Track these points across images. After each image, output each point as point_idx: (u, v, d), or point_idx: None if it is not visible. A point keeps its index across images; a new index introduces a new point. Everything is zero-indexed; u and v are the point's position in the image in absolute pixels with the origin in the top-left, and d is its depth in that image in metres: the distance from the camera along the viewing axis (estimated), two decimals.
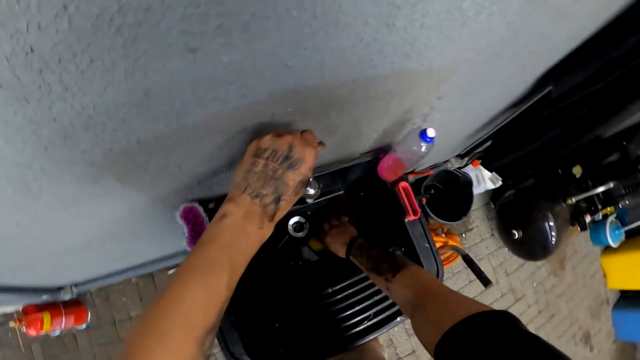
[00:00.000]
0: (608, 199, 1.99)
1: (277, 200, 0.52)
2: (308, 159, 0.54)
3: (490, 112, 1.18)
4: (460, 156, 1.82)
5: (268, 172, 0.52)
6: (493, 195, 2.44)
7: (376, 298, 0.94)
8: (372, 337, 0.90)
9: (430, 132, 0.76)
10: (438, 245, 1.88)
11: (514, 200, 2.14)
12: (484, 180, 2.13)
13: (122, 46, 0.36)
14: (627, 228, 2.51)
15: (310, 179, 0.55)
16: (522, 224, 2.08)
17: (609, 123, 0.91)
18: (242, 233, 0.49)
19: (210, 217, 0.90)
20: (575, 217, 1.99)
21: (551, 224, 1.95)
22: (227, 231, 0.49)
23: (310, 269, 1.07)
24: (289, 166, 0.53)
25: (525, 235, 2.08)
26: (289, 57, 0.48)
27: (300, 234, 1.08)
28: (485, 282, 1.07)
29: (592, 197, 1.96)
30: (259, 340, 0.88)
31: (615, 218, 2.52)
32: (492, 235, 2.44)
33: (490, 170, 1.35)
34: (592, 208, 1.99)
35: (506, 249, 2.36)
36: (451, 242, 1.88)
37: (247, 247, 0.50)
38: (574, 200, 1.94)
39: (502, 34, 0.64)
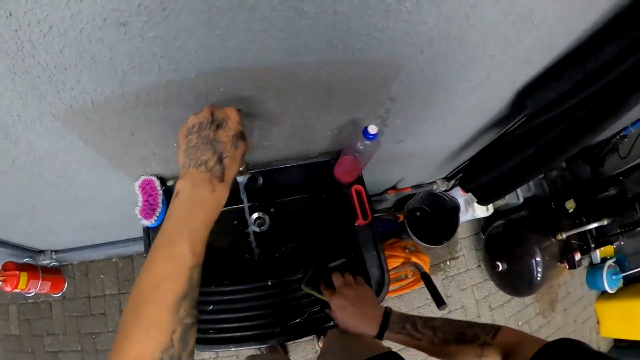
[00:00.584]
0: (601, 237, 1.93)
1: (220, 159, 0.55)
2: (231, 115, 0.58)
3: (468, 129, 1.18)
4: (447, 179, 1.82)
5: (202, 141, 0.56)
6: (484, 225, 2.40)
7: (313, 301, 0.93)
8: (298, 337, 0.90)
9: (372, 129, 0.77)
10: (399, 261, 1.87)
11: (502, 231, 2.09)
12: (472, 207, 2.11)
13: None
14: (625, 274, 2.42)
15: (243, 131, 0.58)
16: (507, 257, 2.03)
17: (583, 141, 0.89)
18: (195, 201, 0.52)
19: (167, 195, 0.95)
20: (565, 254, 1.93)
21: (538, 259, 1.90)
22: (181, 204, 0.52)
23: (261, 263, 1.08)
24: (217, 127, 0.56)
25: (510, 268, 2.02)
26: (207, 37, 0.53)
27: (264, 228, 1.10)
28: (439, 302, 1.08)
29: (584, 233, 1.90)
30: None
31: (614, 263, 2.43)
32: (479, 266, 2.38)
33: (467, 191, 1.34)
34: (584, 246, 1.93)
35: (492, 282, 2.30)
36: (413, 259, 1.85)
37: (204, 213, 0.52)
38: (564, 235, 1.88)
39: (442, 29, 0.63)
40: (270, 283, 0.94)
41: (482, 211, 2.09)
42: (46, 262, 1.66)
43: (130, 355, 0.41)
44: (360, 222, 0.96)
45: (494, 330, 0.65)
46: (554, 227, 1.94)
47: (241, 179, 0.86)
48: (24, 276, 1.61)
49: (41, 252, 1.64)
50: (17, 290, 1.62)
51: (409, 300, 2.18)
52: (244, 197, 0.93)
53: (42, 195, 0.99)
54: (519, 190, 2.10)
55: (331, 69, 0.67)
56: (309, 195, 1.14)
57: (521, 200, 2.13)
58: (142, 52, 0.53)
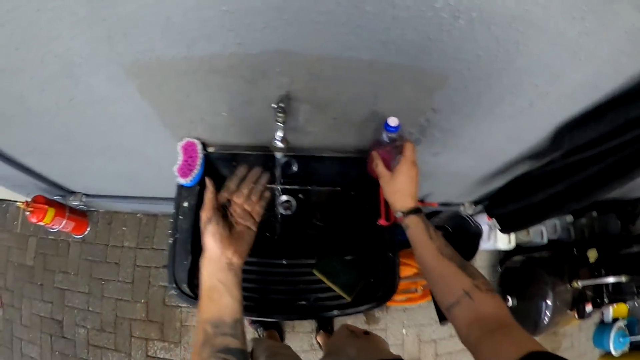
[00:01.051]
0: (617, 293, 1.86)
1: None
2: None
3: (503, 156, 1.18)
4: (475, 202, 1.81)
5: None
6: (503, 259, 2.36)
7: (321, 287, 0.97)
8: (300, 319, 0.93)
9: (392, 121, 0.78)
10: (413, 271, 1.87)
11: (520, 266, 2.06)
12: (495, 237, 2.08)
13: None
14: (634, 339, 2.33)
15: (211, 215, 0.67)
16: (519, 293, 1.99)
17: (613, 186, 0.88)
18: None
19: (206, 159, 1.01)
20: (577, 302, 1.88)
21: (549, 301, 1.86)
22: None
23: (281, 242, 1.12)
24: None
25: (519, 306, 1.98)
26: (274, 19, 0.57)
27: (290, 211, 1.14)
28: (442, 317, 1.08)
29: (600, 286, 1.85)
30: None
31: (625, 325, 2.35)
32: None
33: (491, 217, 1.34)
34: (598, 299, 1.87)
35: None
36: None
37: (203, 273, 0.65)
38: (580, 284, 1.83)
39: (490, 50, 0.65)
40: (285, 262, 0.98)
41: (504, 243, 2.07)
42: (75, 203, 1.73)
43: None
44: (383, 222, 0.99)
45: (489, 286, 0.64)
46: (572, 273, 1.89)
47: (279, 156, 0.90)
48: (51, 211, 1.68)
49: (72, 193, 1.71)
50: (41, 224, 1.70)
51: (413, 315, 2.18)
52: (279, 176, 0.97)
53: (88, 138, 1.05)
54: (544, 230, 2.06)
55: (381, 69, 0.70)
56: (339, 189, 1.17)
57: (545, 240, 2.09)
58: (214, 23, 0.57)
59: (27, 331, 2.12)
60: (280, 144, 0.83)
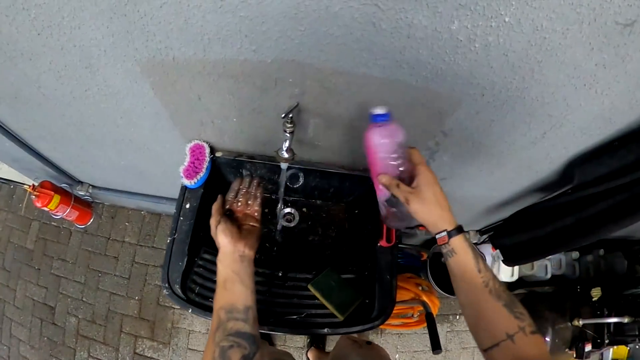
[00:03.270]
0: (618, 334, 1.81)
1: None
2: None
3: (512, 186, 1.17)
4: (480, 232, 1.79)
5: None
6: None
7: (314, 303, 0.96)
8: (289, 333, 0.93)
9: (378, 109, 0.67)
10: (410, 295, 1.84)
11: (521, 300, 2.01)
12: (498, 268, 2.05)
13: None
14: None
15: (218, 220, 0.74)
16: None
17: (622, 224, 0.85)
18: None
19: (212, 163, 1.02)
20: (576, 341, 1.83)
21: (547, 338, 1.82)
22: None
23: (279, 254, 1.11)
24: None
25: None
26: (290, 29, 0.58)
27: (292, 224, 1.13)
28: (436, 346, 1.07)
29: (602, 326, 1.80)
30: (192, 281, 0.96)
31: None
32: None
33: (496, 247, 1.31)
34: (598, 339, 1.82)
35: None
36: (423, 297, 1.82)
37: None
38: (581, 322, 1.79)
39: (505, 76, 0.64)
40: (280, 274, 0.97)
41: (507, 275, 2.03)
42: (81, 193, 1.75)
43: None
44: (383, 243, 0.98)
45: (535, 328, 0.57)
46: (573, 311, 1.85)
47: (284, 166, 0.89)
48: (56, 198, 1.68)
49: (80, 182, 1.74)
50: (45, 209, 1.69)
51: (407, 342, 2.13)
52: (282, 186, 0.97)
53: (100, 129, 1.07)
54: (549, 265, 2.02)
55: (393, 89, 0.70)
56: (343, 205, 1.16)
57: (549, 275, 2.05)
58: (230, 28, 0.58)
59: (19, 313, 2.13)
60: (286, 154, 0.84)
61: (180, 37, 0.62)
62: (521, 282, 2.12)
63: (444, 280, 1.86)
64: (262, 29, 0.57)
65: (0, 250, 2.26)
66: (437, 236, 0.65)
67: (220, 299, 0.66)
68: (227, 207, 0.80)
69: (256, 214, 0.80)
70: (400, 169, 0.68)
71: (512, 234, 1.20)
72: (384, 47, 0.59)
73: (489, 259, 1.97)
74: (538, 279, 2.11)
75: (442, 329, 2.18)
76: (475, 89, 0.68)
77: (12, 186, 2.25)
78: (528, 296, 2.02)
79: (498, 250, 1.32)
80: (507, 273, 2.00)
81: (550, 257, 2.01)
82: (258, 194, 0.83)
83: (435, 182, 0.67)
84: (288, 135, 0.78)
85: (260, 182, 0.86)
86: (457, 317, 2.23)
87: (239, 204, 0.81)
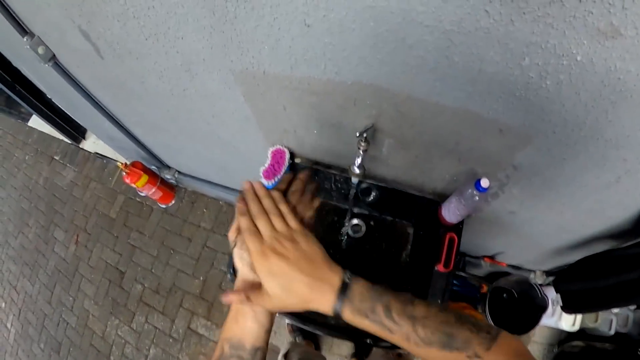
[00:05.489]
0: None
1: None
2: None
3: (583, 230, 1.11)
4: (547, 273, 1.69)
5: None
6: (563, 339, 2.14)
7: None
8: (330, 335, 0.95)
9: (484, 182, 0.80)
10: None
11: (577, 353, 1.86)
12: (560, 315, 1.90)
13: None
14: None
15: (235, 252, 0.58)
16: None
17: None
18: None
19: (292, 168, 1.10)
20: None
21: None
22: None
23: (340, 261, 1.16)
24: None
25: None
26: (369, 57, 0.63)
27: (357, 235, 1.19)
28: None
29: None
30: None
31: None
32: None
33: (557, 291, 1.24)
34: None
35: None
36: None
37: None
38: None
39: (578, 116, 0.62)
40: None
41: (569, 324, 1.88)
42: (168, 176, 1.95)
43: None
44: (440, 268, 0.99)
45: (489, 338, 0.48)
46: None
47: (355, 181, 0.95)
48: (144, 177, 1.91)
49: (167, 167, 1.93)
50: (133, 185, 1.93)
51: None
52: (350, 199, 1.02)
53: (193, 124, 1.21)
54: (614, 320, 1.84)
55: (465, 119, 0.72)
56: (410, 225, 1.18)
57: (612, 332, 1.87)
58: (315, 51, 0.65)
59: (91, 271, 2.41)
60: (357, 170, 0.89)
61: (271, 55, 0.71)
62: (582, 333, 1.95)
63: (501, 316, 1.79)
64: (344, 55, 0.64)
65: (85, 215, 2.58)
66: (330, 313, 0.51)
67: (228, 330, 0.56)
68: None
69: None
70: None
71: (575, 280, 1.14)
72: (456, 79, 0.62)
73: (552, 302, 1.84)
74: (600, 333, 1.93)
75: None
76: (547, 125, 0.68)
77: (105, 161, 2.59)
78: (585, 350, 1.85)
79: (559, 295, 1.25)
80: (568, 322, 1.85)
81: (616, 311, 1.83)
82: (314, 203, 0.63)
83: (275, 271, 0.50)
84: (361, 152, 0.84)
85: (317, 187, 0.67)
86: None
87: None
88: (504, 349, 0.48)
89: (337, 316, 0.50)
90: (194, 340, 2.10)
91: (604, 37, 0.47)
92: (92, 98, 1.31)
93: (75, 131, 2.81)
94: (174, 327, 2.14)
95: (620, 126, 0.63)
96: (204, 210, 2.34)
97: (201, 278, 2.20)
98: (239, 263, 0.57)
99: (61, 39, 1.01)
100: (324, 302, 0.50)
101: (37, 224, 2.77)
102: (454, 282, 1.85)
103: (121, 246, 2.40)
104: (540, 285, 1.72)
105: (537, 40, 0.50)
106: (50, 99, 1.99)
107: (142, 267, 2.31)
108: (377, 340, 0.95)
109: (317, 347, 1.96)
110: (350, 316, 0.50)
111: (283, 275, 0.50)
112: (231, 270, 1.00)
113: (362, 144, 0.81)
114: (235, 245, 0.57)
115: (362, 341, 0.94)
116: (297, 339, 1.85)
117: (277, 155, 1.08)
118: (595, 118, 0.63)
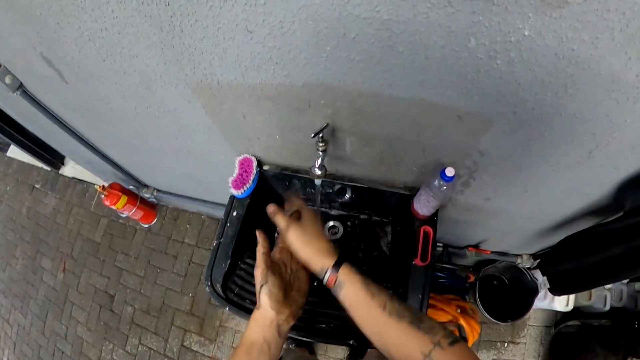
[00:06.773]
0: None
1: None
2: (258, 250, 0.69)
3: (562, 209, 1.10)
4: (534, 256, 1.69)
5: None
6: (559, 320, 2.14)
7: (344, 315, 0.97)
8: (318, 341, 0.93)
9: (449, 171, 0.80)
10: (447, 317, 1.75)
11: (573, 332, 1.85)
12: (552, 297, 1.90)
13: None
14: None
15: (266, 264, 0.68)
16: None
17: None
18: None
19: (259, 176, 1.08)
20: None
21: None
22: None
23: None
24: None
25: None
26: (314, 56, 0.62)
27: (336, 237, 1.19)
28: None
29: None
30: (233, 282, 1.03)
31: None
32: None
33: (543, 274, 1.24)
34: None
35: None
36: (461, 321, 1.73)
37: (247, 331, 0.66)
38: None
39: (536, 93, 0.61)
40: (315, 284, 1.01)
41: (562, 304, 1.88)
42: (147, 195, 1.93)
43: None
44: (418, 262, 0.98)
45: (453, 337, 0.53)
46: (628, 349, 1.65)
47: (318, 182, 0.93)
48: (124, 198, 1.89)
49: (145, 186, 1.92)
50: (113, 207, 1.90)
51: None
52: (317, 202, 1.01)
53: (162, 140, 1.20)
54: (608, 295, 1.84)
55: (422, 108, 0.71)
56: (386, 222, 1.18)
57: (607, 307, 1.87)
58: (262, 56, 0.65)
59: (80, 297, 2.38)
60: (318, 171, 0.88)
61: (221, 65, 0.70)
62: (577, 312, 1.95)
63: (494, 304, 1.79)
64: (290, 57, 0.63)
65: (70, 241, 2.55)
66: (324, 280, 0.66)
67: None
68: (277, 255, 0.72)
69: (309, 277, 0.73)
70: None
71: (559, 262, 1.13)
72: (404, 69, 0.60)
73: (543, 285, 1.84)
74: (595, 310, 1.93)
75: (487, 356, 2.07)
76: (506, 107, 0.66)
77: (85, 185, 2.56)
78: (582, 329, 1.85)
79: (545, 277, 1.24)
80: (562, 302, 1.86)
81: (610, 286, 1.84)
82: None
83: (317, 221, 0.72)
84: (320, 153, 0.83)
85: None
86: (505, 344, 2.11)
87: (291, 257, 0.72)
88: (464, 353, 0.52)
89: (336, 269, 0.65)
90: (189, 358, 2.08)
91: (549, 7, 0.45)
92: (63, 124, 1.30)
93: (54, 158, 2.76)
94: (167, 346, 2.12)
95: (582, 99, 0.61)
96: (187, 226, 2.33)
97: (190, 294, 2.19)
98: (267, 300, 0.64)
99: (27, 67, 1.01)
100: (330, 257, 0.66)
101: (24, 255, 2.73)
102: (441, 274, 1.84)
103: (108, 269, 2.38)
104: (529, 268, 1.72)
105: (479, 19, 0.49)
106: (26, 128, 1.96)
107: (130, 288, 2.29)
108: (362, 341, 0.93)
109: (312, 352, 1.96)
110: (345, 272, 0.64)
111: (319, 227, 0.70)
112: (208, 282, 0.99)
113: (320, 144, 0.80)
114: (266, 283, 0.65)
115: (346, 343, 0.92)
116: (290, 346, 1.84)
117: (245, 164, 1.07)
118: (555, 93, 0.61)
